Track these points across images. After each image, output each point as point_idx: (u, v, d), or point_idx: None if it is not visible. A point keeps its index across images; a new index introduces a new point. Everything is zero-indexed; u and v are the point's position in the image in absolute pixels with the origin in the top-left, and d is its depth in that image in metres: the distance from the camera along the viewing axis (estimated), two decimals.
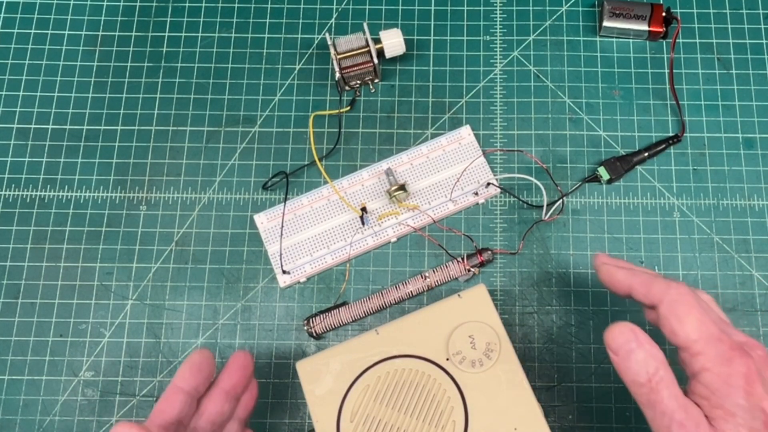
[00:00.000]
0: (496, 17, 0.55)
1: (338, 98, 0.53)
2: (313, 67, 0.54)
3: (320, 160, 0.51)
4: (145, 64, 0.54)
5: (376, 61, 0.51)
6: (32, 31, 0.55)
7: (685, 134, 0.52)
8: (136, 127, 0.53)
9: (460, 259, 0.49)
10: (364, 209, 0.50)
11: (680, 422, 0.33)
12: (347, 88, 0.53)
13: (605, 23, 0.53)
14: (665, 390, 0.33)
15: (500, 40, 0.55)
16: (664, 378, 0.34)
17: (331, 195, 0.51)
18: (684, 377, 0.35)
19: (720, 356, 0.33)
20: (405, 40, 0.52)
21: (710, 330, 0.34)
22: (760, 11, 0.55)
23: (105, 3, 0.56)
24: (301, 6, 0.56)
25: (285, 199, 0.50)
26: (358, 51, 0.51)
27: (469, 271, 0.49)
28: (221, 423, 0.40)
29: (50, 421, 0.47)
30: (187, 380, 0.38)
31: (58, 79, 0.54)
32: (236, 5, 0.56)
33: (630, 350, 0.34)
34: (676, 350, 0.35)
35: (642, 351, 0.34)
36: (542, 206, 0.50)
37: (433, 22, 0.55)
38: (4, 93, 0.54)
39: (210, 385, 0.40)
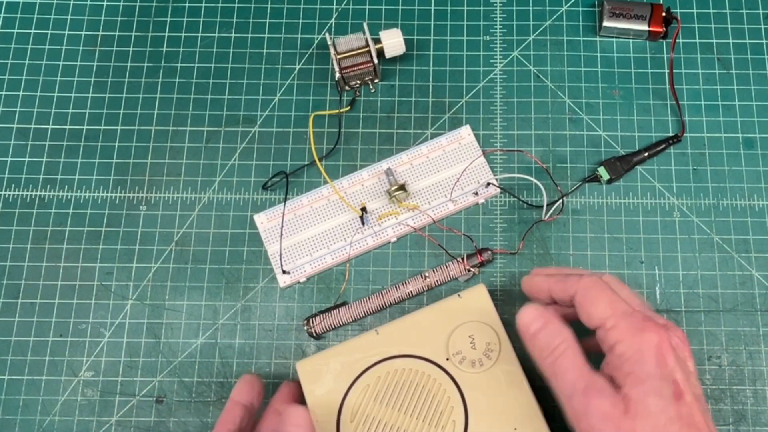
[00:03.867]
0: (496, 17, 0.55)
1: (338, 98, 0.53)
2: (313, 67, 0.54)
3: (320, 160, 0.51)
4: (145, 64, 0.54)
5: (376, 61, 0.51)
6: (32, 31, 0.55)
7: (685, 134, 0.52)
8: (136, 127, 0.53)
9: (460, 259, 0.49)
10: (364, 209, 0.50)
11: (583, 390, 0.34)
12: (347, 88, 0.53)
13: (605, 23, 0.53)
14: (568, 360, 0.35)
15: (500, 40, 0.55)
16: (567, 350, 0.35)
17: (331, 195, 0.51)
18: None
19: (632, 327, 0.34)
20: (405, 40, 0.52)
21: (622, 307, 0.35)
22: (760, 11, 0.55)
23: (105, 3, 0.56)
24: (301, 6, 0.56)
25: (285, 199, 0.50)
26: (358, 51, 0.51)
27: (469, 271, 0.49)
28: None
29: (50, 421, 0.47)
30: (243, 396, 0.42)
31: (58, 79, 0.54)
32: (236, 5, 0.56)
33: (537, 328, 0.37)
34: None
35: (549, 327, 0.36)
36: (542, 206, 0.50)
37: (433, 22, 0.55)
38: (4, 93, 0.54)
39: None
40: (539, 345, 0.37)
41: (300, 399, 0.45)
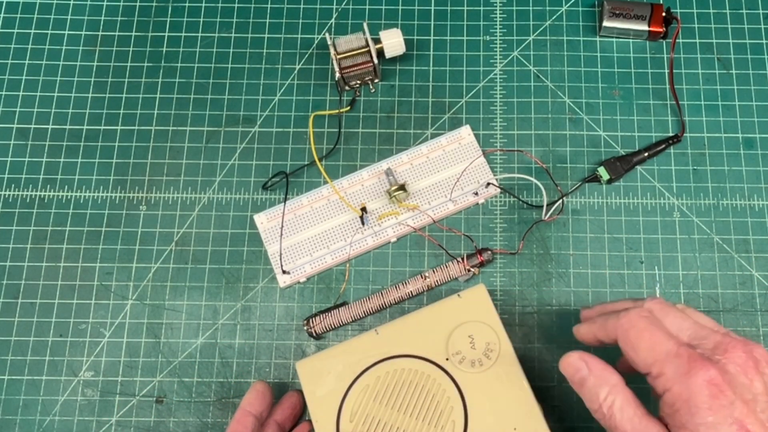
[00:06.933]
0: (496, 17, 0.55)
1: (338, 98, 0.53)
2: (313, 67, 0.54)
3: (320, 160, 0.51)
4: (145, 64, 0.54)
5: (376, 61, 0.51)
6: (32, 31, 0.55)
7: (685, 134, 0.52)
8: (136, 127, 0.53)
9: (460, 259, 0.49)
10: (364, 209, 0.50)
11: None
12: (347, 88, 0.53)
13: (605, 23, 0.53)
14: (619, 413, 0.33)
15: (500, 40, 0.55)
16: (616, 401, 0.33)
17: (331, 195, 0.51)
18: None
19: (678, 373, 0.32)
20: (405, 40, 0.52)
21: (665, 348, 0.33)
22: (760, 11, 0.55)
23: (105, 3, 0.56)
24: (301, 6, 0.56)
25: (285, 199, 0.50)
26: (358, 51, 0.51)
27: (469, 271, 0.49)
28: None
29: (50, 421, 0.47)
30: (254, 405, 0.43)
31: (58, 79, 0.54)
32: (236, 5, 0.56)
33: (582, 378, 0.35)
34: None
35: (592, 378, 0.34)
36: (542, 206, 0.50)
37: (433, 22, 0.55)
38: (4, 93, 0.54)
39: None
40: (587, 395, 0.34)
41: (302, 411, 0.46)
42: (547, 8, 0.55)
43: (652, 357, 0.33)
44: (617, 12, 0.53)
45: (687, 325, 0.34)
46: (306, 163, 0.52)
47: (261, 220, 0.50)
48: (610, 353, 0.37)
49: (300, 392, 0.46)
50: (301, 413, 0.47)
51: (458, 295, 0.44)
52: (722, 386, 0.30)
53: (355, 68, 0.51)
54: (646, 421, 0.32)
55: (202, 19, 0.55)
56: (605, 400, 0.33)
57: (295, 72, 0.54)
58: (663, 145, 0.51)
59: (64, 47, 0.55)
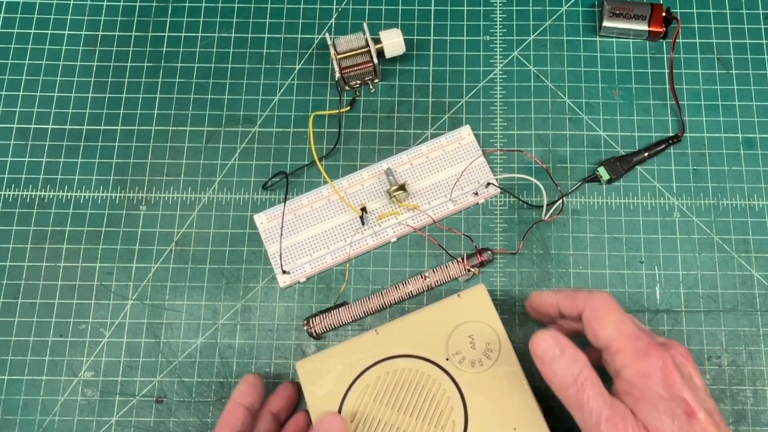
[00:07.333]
0: (496, 17, 0.55)
1: (338, 98, 0.53)
2: (313, 67, 0.54)
3: (320, 160, 0.51)
4: (145, 64, 0.54)
5: (376, 61, 0.51)
6: (32, 31, 0.55)
7: (685, 134, 0.52)
8: (136, 127, 0.53)
9: (460, 259, 0.49)
10: (364, 209, 0.50)
11: (607, 418, 0.34)
12: (347, 88, 0.53)
13: (605, 23, 0.53)
14: (590, 388, 0.35)
15: (500, 40, 0.55)
16: (588, 377, 0.35)
17: (331, 195, 0.51)
18: (609, 380, 0.37)
19: (638, 352, 0.35)
20: (405, 40, 0.52)
21: (629, 330, 0.36)
22: (760, 11, 0.55)
23: (105, 3, 0.56)
24: (301, 6, 0.56)
25: (285, 199, 0.50)
26: (358, 51, 0.51)
27: (469, 271, 0.49)
28: None
29: (50, 421, 0.47)
30: (245, 397, 0.43)
31: (58, 79, 0.54)
32: (236, 5, 0.56)
33: (554, 356, 0.36)
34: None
35: (566, 355, 0.36)
36: (542, 206, 0.50)
37: (433, 22, 0.55)
38: (4, 93, 0.54)
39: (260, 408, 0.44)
40: (559, 374, 0.36)
41: (297, 401, 0.46)
42: (547, 8, 0.55)
43: (616, 334, 0.36)
44: (617, 12, 0.53)
45: (634, 321, 0.38)
46: (306, 163, 0.52)
47: (261, 220, 0.50)
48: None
49: (295, 383, 0.46)
50: (297, 403, 0.46)
51: (458, 295, 0.44)
52: (674, 371, 0.35)
53: (355, 68, 0.51)
54: (611, 398, 0.35)
55: (202, 19, 0.55)
56: (579, 375, 0.35)
57: (295, 72, 0.54)
58: (663, 145, 0.51)
59: (64, 47, 0.55)
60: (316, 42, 0.55)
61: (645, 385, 0.35)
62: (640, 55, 0.54)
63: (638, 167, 0.51)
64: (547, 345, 0.36)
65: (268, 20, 0.55)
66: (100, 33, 0.55)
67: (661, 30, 0.53)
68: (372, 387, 0.42)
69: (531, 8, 0.55)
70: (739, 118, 0.52)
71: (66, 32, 0.55)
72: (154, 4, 0.56)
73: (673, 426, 0.34)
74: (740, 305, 0.49)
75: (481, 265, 0.49)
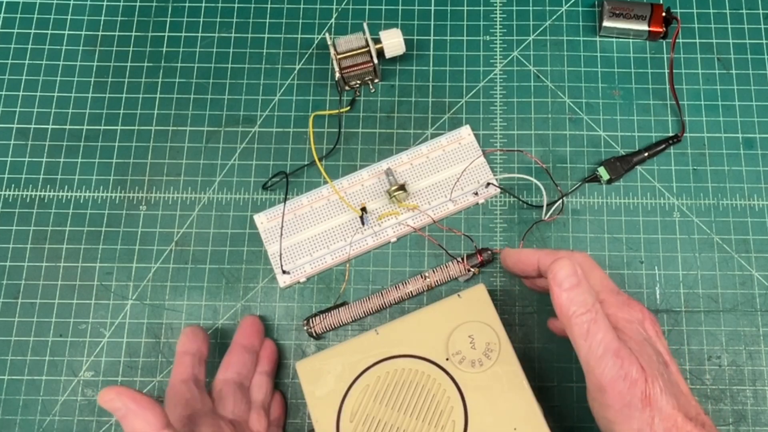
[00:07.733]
0: (496, 17, 0.55)
1: (338, 98, 0.53)
2: (313, 67, 0.54)
3: (320, 160, 0.51)
4: (145, 64, 0.54)
5: (376, 61, 0.51)
6: (32, 31, 0.55)
7: (685, 134, 0.52)
8: (136, 127, 0.53)
9: (460, 259, 0.49)
10: (364, 209, 0.50)
11: (615, 351, 0.35)
12: (347, 88, 0.53)
13: (605, 23, 0.53)
14: (602, 321, 0.35)
15: (500, 40, 0.55)
16: (599, 311, 0.36)
17: (331, 195, 0.51)
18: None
19: (620, 302, 0.39)
20: (405, 40, 0.51)
21: (610, 284, 0.40)
22: (760, 11, 0.55)
23: (105, 3, 0.56)
24: (301, 6, 0.56)
25: (285, 199, 0.50)
26: (358, 51, 0.51)
27: (469, 271, 0.49)
28: (246, 374, 0.45)
29: (50, 421, 0.47)
30: (188, 345, 0.44)
31: (58, 79, 0.54)
32: (236, 5, 0.56)
33: (573, 284, 0.36)
34: None
35: (583, 285, 0.36)
36: (542, 206, 0.50)
37: (433, 22, 0.55)
38: (4, 93, 0.54)
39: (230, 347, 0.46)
40: (578, 299, 0.35)
41: (262, 331, 0.48)
42: (547, 8, 0.55)
43: (600, 286, 0.40)
44: (617, 12, 0.53)
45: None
46: (306, 163, 0.52)
47: (261, 220, 0.50)
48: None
49: (256, 316, 0.48)
50: (264, 333, 0.48)
51: (458, 295, 0.44)
52: (655, 322, 0.39)
53: (355, 68, 0.51)
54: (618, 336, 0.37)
55: (202, 19, 0.55)
56: (593, 306, 0.35)
57: (295, 72, 0.54)
58: (663, 145, 0.51)
59: (64, 47, 0.55)
60: (316, 42, 0.55)
61: (631, 329, 0.37)
62: (640, 55, 0.54)
63: (638, 167, 0.51)
64: (568, 272, 0.36)
65: (268, 20, 0.55)
66: (100, 33, 0.55)
67: (661, 30, 0.53)
68: (372, 387, 0.42)
69: (531, 8, 0.55)
70: (739, 118, 0.52)
71: (66, 32, 0.55)
72: (154, 4, 0.56)
73: (659, 367, 0.36)
74: (740, 305, 0.49)
75: (481, 265, 0.49)
